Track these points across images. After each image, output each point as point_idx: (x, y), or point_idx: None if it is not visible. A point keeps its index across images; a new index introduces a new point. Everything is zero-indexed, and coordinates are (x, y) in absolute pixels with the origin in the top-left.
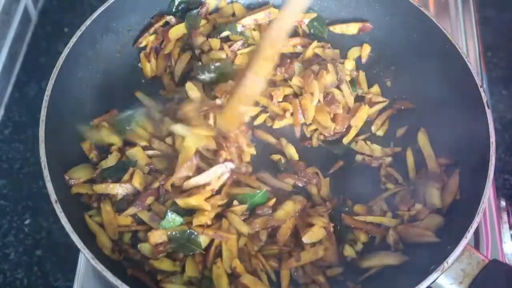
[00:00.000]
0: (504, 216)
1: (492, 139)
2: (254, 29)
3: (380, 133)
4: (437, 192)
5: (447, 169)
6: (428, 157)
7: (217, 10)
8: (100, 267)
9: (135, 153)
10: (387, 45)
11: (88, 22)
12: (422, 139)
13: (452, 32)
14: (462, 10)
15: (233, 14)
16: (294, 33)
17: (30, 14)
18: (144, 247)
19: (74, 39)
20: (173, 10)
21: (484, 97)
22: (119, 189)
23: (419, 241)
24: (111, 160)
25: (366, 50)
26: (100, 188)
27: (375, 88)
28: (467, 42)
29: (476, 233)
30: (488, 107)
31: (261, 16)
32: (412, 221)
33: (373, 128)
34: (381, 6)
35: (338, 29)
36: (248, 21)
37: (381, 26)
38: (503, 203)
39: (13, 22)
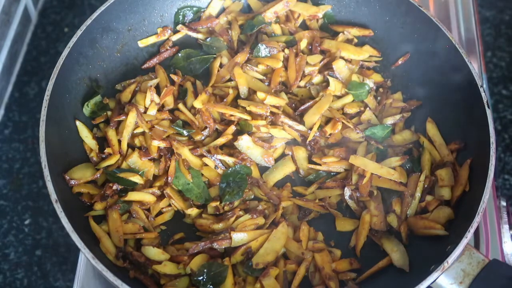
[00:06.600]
0: (504, 216)
1: (492, 139)
2: (275, 22)
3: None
4: (447, 188)
5: (458, 158)
6: (439, 146)
7: (224, 10)
8: (100, 267)
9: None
10: (387, 45)
11: (88, 22)
12: (432, 128)
13: (452, 32)
14: (462, 10)
15: (250, 10)
16: (305, 27)
17: (30, 14)
18: (148, 251)
19: (74, 39)
20: (180, 19)
21: (484, 97)
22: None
23: (428, 233)
24: (111, 160)
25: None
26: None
27: (398, 95)
28: (467, 42)
29: (476, 233)
30: (488, 107)
31: (280, 8)
32: (422, 213)
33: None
34: (381, 6)
35: (340, 29)
36: (270, 14)
37: (381, 26)
38: (503, 203)
39: (13, 22)
